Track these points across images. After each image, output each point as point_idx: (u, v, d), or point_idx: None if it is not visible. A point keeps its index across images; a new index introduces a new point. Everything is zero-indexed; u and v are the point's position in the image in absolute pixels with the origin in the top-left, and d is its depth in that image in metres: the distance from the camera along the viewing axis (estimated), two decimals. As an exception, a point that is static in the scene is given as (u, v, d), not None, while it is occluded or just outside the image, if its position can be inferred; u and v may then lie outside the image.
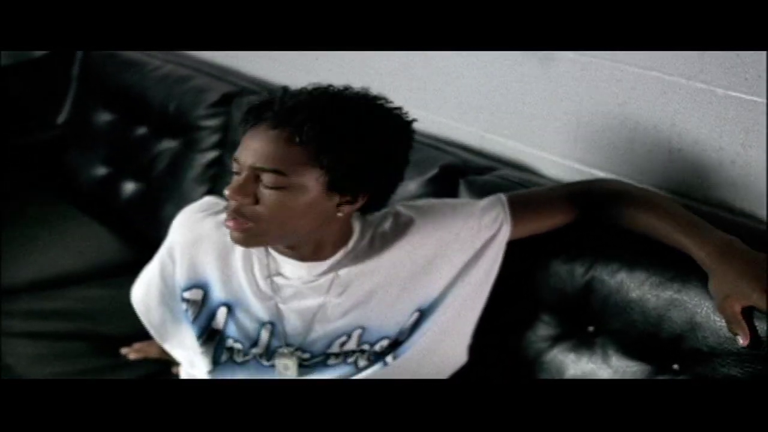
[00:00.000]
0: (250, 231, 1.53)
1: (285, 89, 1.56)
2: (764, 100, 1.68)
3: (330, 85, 1.58)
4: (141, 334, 1.89)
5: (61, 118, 3.08)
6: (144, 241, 2.50)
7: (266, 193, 1.50)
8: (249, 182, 1.50)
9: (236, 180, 1.51)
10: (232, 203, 1.52)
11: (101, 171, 2.84)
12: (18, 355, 2.13)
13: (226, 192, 1.51)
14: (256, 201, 1.51)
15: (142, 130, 2.78)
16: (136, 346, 2.15)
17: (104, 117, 2.89)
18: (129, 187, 2.73)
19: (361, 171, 1.53)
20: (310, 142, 1.49)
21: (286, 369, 1.69)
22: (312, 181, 1.51)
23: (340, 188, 1.53)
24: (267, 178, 1.49)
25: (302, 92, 1.55)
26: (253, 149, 1.50)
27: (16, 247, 2.53)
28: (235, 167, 1.53)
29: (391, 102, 1.60)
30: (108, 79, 2.91)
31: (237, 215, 1.52)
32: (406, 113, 1.60)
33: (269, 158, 1.49)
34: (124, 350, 2.16)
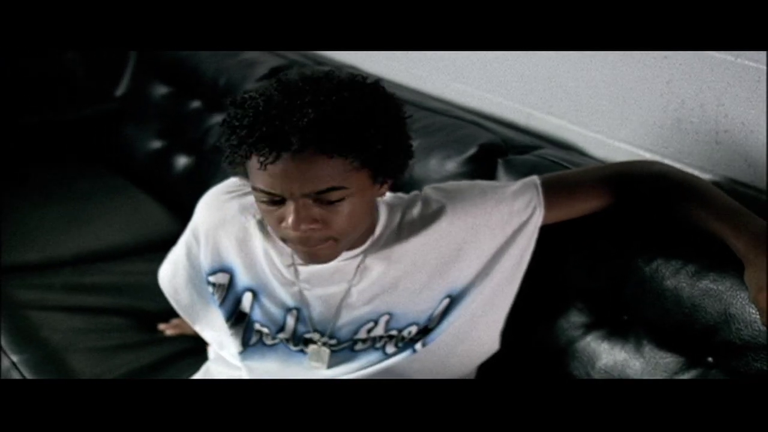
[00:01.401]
0: (332, 249, 1.50)
1: (273, 104, 1.41)
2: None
3: (311, 76, 1.48)
4: (177, 309, 1.91)
5: (119, 91, 3.11)
6: (191, 215, 2.51)
7: (334, 209, 1.44)
8: (306, 209, 1.43)
9: (293, 212, 1.42)
10: (298, 235, 1.45)
11: (156, 144, 2.87)
12: (53, 329, 2.14)
13: (289, 225, 1.43)
14: (323, 222, 1.45)
15: (195, 104, 2.80)
16: (174, 321, 2.17)
17: (161, 90, 2.92)
18: (181, 161, 2.75)
19: (391, 151, 1.46)
20: (346, 151, 1.40)
21: (317, 359, 1.67)
22: (362, 180, 1.45)
23: (384, 174, 1.48)
24: (331, 196, 1.43)
25: (298, 102, 1.41)
26: (295, 178, 1.40)
27: (65, 221, 2.56)
28: (267, 197, 1.44)
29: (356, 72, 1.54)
30: (164, 52, 2.92)
31: (312, 243, 1.47)
32: (369, 76, 1.52)
33: (321, 179, 1.41)
34: (161, 326, 2.18)
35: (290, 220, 1.42)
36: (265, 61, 2.60)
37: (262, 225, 1.66)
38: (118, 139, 3.00)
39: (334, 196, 1.43)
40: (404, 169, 1.53)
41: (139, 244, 2.54)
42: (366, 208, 1.51)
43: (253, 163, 1.42)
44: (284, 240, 1.50)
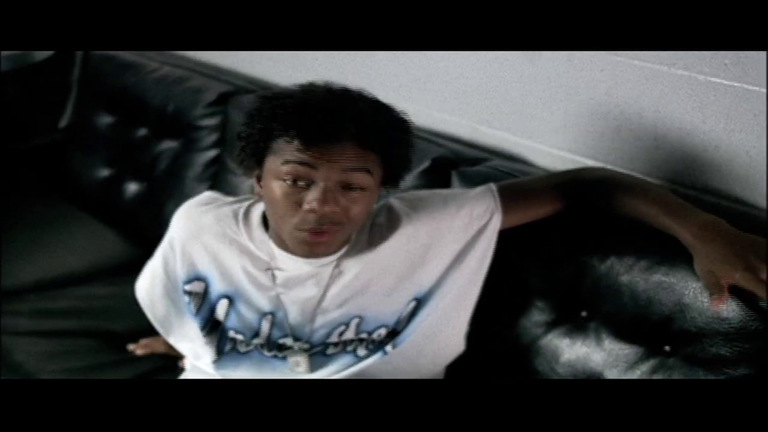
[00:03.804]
0: (337, 236, 1.59)
1: (321, 97, 1.56)
2: (743, 86, 1.73)
3: (341, 86, 1.62)
4: (146, 330, 1.95)
5: (62, 122, 3.12)
6: (147, 239, 2.54)
7: (353, 200, 1.55)
8: (332, 193, 1.53)
9: (321, 193, 1.52)
10: (315, 217, 1.53)
11: (104, 173, 2.89)
12: (27, 353, 2.18)
13: (314, 206, 1.52)
14: (343, 209, 1.55)
15: (142, 132, 2.83)
16: (143, 342, 2.20)
17: (105, 119, 2.94)
18: (131, 187, 2.78)
19: (404, 159, 1.63)
20: (382, 149, 1.56)
21: (297, 365, 1.74)
22: (377, 179, 1.59)
23: (389, 182, 1.63)
24: (359, 179, 1.54)
25: (349, 97, 1.57)
26: (336, 164, 1.52)
27: (22, 249, 2.58)
28: (294, 178, 1.54)
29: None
30: (107, 81, 2.96)
31: (329, 224, 1.55)
32: None
33: (358, 162, 1.54)
34: (131, 347, 2.21)
35: (316, 199, 1.52)
36: (212, 87, 2.65)
37: (238, 234, 1.73)
38: (66, 169, 3.01)
39: (361, 181, 1.55)
40: (400, 181, 1.66)
41: (97, 270, 2.57)
42: (370, 207, 1.62)
43: (292, 146, 1.53)
44: (293, 229, 1.57)
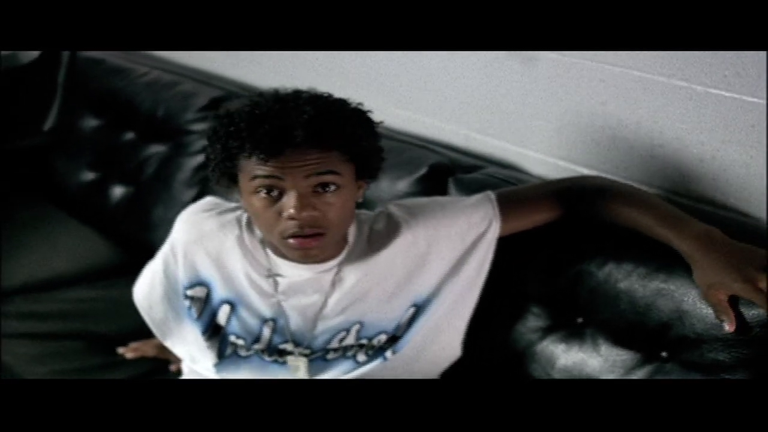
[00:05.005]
0: (327, 238, 1.59)
1: (269, 107, 1.56)
2: (742, 97, 1.74)
3: (297, 89, 1.63)
4: (133, 333, 1.95)
5: (47, 125, 3.10)
6: (133, 243, 2.55)
7: (329, 200, 1.55)
8: (306, 197, 1.53)
9: (295, 200, 1.52)
10: (296, 223, 1.54)
11: (89, 176, 2.87)
12: (15, 355, 2.17)
13: (291, 213, 1.52)
14: (320, 211, 1.55)
15: (129, 136, 2.81)
16: (133, 345, 2.19)
17: (91, 123, 2.92)
18: (117, 191, 2.76)
19: (372, 150, 1.63)
20: (340, 144, 1.55)
21: (296, 370, 1.74)
22: (350, 174, 1.59)
23: (363, 174, 1.62)
24: (329, 180, 1.54)
25: (296, 103, 1.56)
26: (298, 167, 1.52)
27: (7, 251, 2.56)
28: (267, 190, 1.54)
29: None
30: (95, 85, 2.94)
31: (312, 228, 1.55)
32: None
33: (321, 167, 1.53)
34: (121, 350, 2.19)
35: (293, 206, 1.52)
36: (203, 92, 2.65)
37: (241, 240, 1.73)
38: (50, 171, 2.99)
39: (331, 181, 1.55)
40: (377, 172, 1.66)
41: (84, 273, 2.55)
42: (350, 205, 1.63)
43: (253, 162, 1.54)
44: (280, 238, 1.58)
